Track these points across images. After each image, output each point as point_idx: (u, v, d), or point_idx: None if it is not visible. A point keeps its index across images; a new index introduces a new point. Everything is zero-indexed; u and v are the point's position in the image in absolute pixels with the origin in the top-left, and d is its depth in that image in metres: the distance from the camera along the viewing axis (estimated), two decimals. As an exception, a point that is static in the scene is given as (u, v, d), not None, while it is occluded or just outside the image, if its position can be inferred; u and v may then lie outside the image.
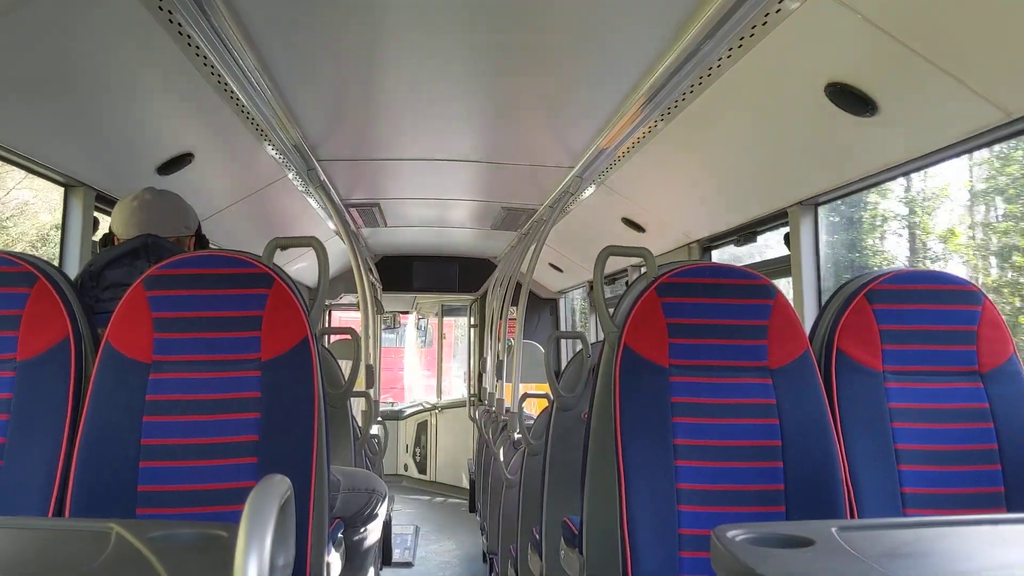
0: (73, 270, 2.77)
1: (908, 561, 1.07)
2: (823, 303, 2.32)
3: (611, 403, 1.93)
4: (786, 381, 1.95)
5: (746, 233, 3.71)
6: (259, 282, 1.94)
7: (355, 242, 4.68)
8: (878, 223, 4.97)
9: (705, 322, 1.99)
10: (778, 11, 2.02)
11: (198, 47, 2.32)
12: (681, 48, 2.34)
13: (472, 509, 7.20)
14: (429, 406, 9.73)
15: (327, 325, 8.52)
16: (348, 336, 3.92)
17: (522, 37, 2.50)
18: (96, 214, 3.03)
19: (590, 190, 4.28)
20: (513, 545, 3.86)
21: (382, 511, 3.01)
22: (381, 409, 5.98)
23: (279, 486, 0.92)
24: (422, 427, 9.68)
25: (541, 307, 8.02)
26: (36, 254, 2.07)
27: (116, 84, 2.42)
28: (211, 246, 2.68)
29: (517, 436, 4.25)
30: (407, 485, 9.61)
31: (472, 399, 8.48)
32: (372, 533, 2.96)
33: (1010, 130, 2.05)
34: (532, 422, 4.16)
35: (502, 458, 4.39)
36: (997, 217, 4.32)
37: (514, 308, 5.00)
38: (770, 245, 3.66)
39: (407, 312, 11.26)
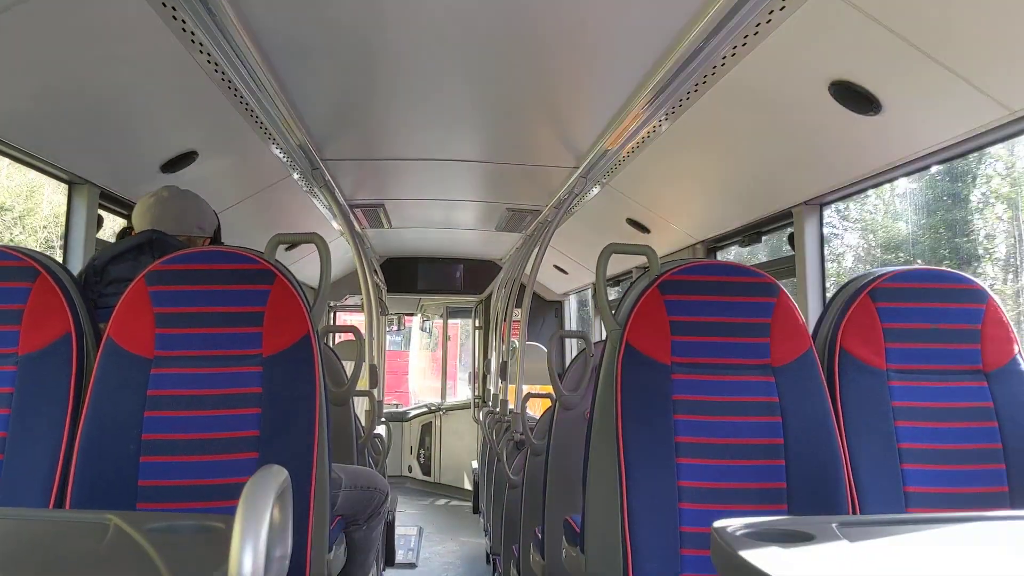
0: (77, 267, 2.78)
1: (909, 558, 1.06)
2: (827, 301, 2.31)
3: (613, 401, 1.92)
4: (789, 379, 1.94)
5: (751, 233, 3.70)
6: (261, 278, 1.94)
7: (359, 243, 4.68)
8: (991, 199, 4.21)
9: (708, 320, 1.98)
10: (782, 8, 2.01)
11: (202, 44, 2.32)
12: (685, 47, 2.34)
13: (476, 510, 7.19)
14: (434, 408, 9.72)
15: (332, 326, 8.53)
16: (351, 336, 3.92)
17: (526, 38, 2.50)
18: (100, 211, 3.03)
19: (594, 191, 4.28)
20: (516, 545, 3.85)
21: (384, 510, 3.00)
22: (385, 410, 5.98)
23: (276, 476, 0.92)
24: (426, 429, 9.68)
25: (546, 309, 8.01)
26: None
27: (121, 82, 2.43)
28: None
29: (520, 436, 4.25)
30: (411, 487, 9.60)
31: (476, 401, 8.47)
32: (374, 531, 2.96)
33: (1015, 128, 2.05)
34: (535, 423, 4.16)
35: (505, 459, 4.39)
36: None
37: (518, 310, 5.00)
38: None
39: (411, 314, 11.25)
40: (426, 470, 9.57)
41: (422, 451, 9.68)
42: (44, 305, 1.89)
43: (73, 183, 2.92)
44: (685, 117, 2.92)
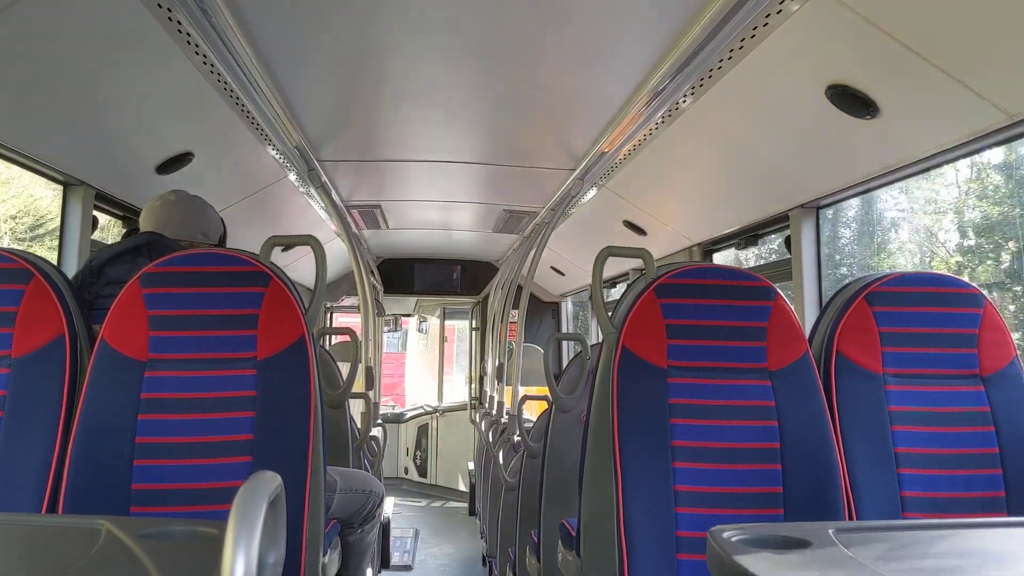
0: (72, 268, 2.77)
1: (905, 563, 1.06)
2: (823, 305, 2.31)
3: (609, 404, 1.92)
4: (785, 383, 1.94)
5: (748, 236, 3.70)
6: (256, 280, 1.93)
7: (356, 244, 4.67)
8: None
9: (704, 323, 1.98)
10: (779, 12, 2.01)
11: (198, 46, 2.32)
12: (682, 49, 2.34)
13: (472, 513, 7.19)
14: (430, 409, 9.71)
15: (329, 327, 8.51)
16: (347, 337, 3.91)
17: (524, 40, 2.49)
18: (95, 212, 3.02)
19: (591, 193, 4.27)
20: (512, 548, 3.85)
21: (379, 513, 3.00)
22: (381, 412, 5.97)
23: (269, 482, 0.91)
24: (423, 430, 9.66)
25: (543, 310, 8.01)
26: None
27: (116, 82, 2.42)
28: None
29: (517, 439, 4.24)
30: (407, 488, 9.59)
31: (473, 402, 8.46)
32: (369, 534, 2.95)
33: (1012, 132, 2.04)
34: (532, 425, 4.15)
35: (501, 461, 4.38)
36: None
37: (515, 311, 5.00)
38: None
39: (409, 315, 11.24)
40: (422, 472, 9.56)
41: (419, 453, 9.67)
42: (37, 307, 1.88)
43: (68, 184, 2.91)
44: (682, 120, 2.91)
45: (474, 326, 9.02)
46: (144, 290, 1.90)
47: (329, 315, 8.60)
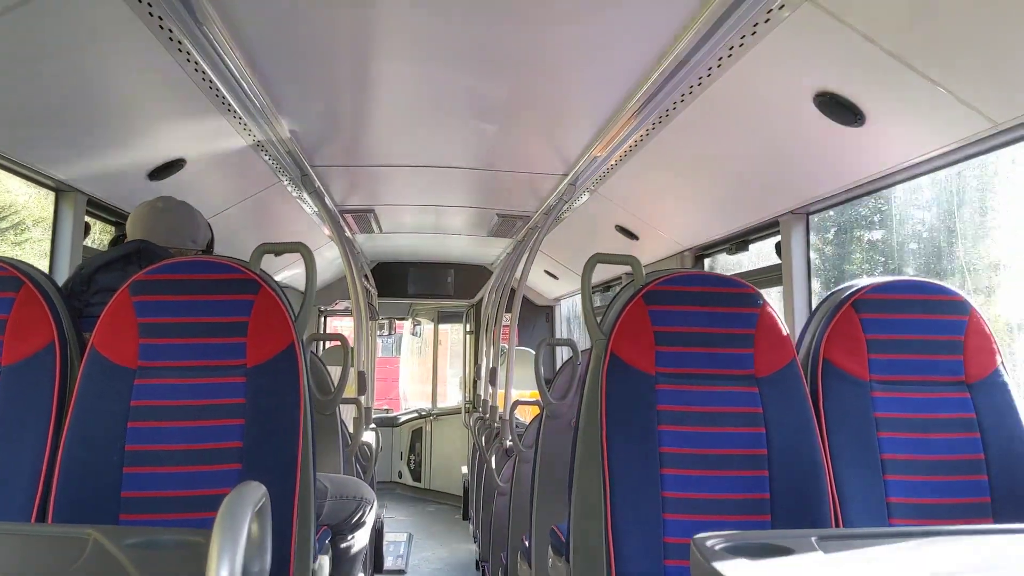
0: (64, 275, 2.77)
1: (887, 571, 1.07)
2: (811, 312, 2.32)
3: (597, 410, 1.93)
4: (772, 390, 1.95)
5: (738, 242, 3.71)
6: (245, 288, 1.94)
7: (349, 248, 4.68)
8: None
9: (692, 330, 1.99)
10: (767, 21, 2.02)
11: (189, 53, 2.32)
12: (672, 57, 2.35)
13: (466, 517, 7.19)
14: (424, 413, 9.70)
15: (323, 331, 8.51)
16: (339, 343, 3.92)
17: (516, 45, 2.50)
18: (88, 219, 3.03)
19: (584, 198, 4.29)
20: (504, 553, 3.85)
21: (370, 519, 3.00)
22: (375, 416, 5.96)
23: (253, 492, 0.92)
24: (417, 434, 9.66)
25: (537, 314, 8.01)
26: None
27: (108, 89, 2.42)
28: None
29: (509, 443, 4.25)
30: (401, 492, 9.58)
31: (467, 406, 8.46)
32: (360, 541, 2.96)
33: (997, 140, 2.06)
34: (524, 429, 4.15)
35: (494, 465, 4.39)
36: None
37: (509, 315, 5.00)
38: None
39: (403, 318, 11.23)
40: (416, 476, 9.55)
41: (412, 457, 9.66)
42: (27, 315, 1.88)
43: (60, 190, 2.91)
44: (673, 126, 2.93)
45: (468, 330, 9.02)
46: (134, 298, 1.90)
47: (323, 319, 8.59)
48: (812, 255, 3.21)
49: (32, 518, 1.75)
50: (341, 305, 8.19)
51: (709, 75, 2.42)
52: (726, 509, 1.86)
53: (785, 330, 2.03)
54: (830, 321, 2.07)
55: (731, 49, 2.22)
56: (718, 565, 0.99)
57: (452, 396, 10.24)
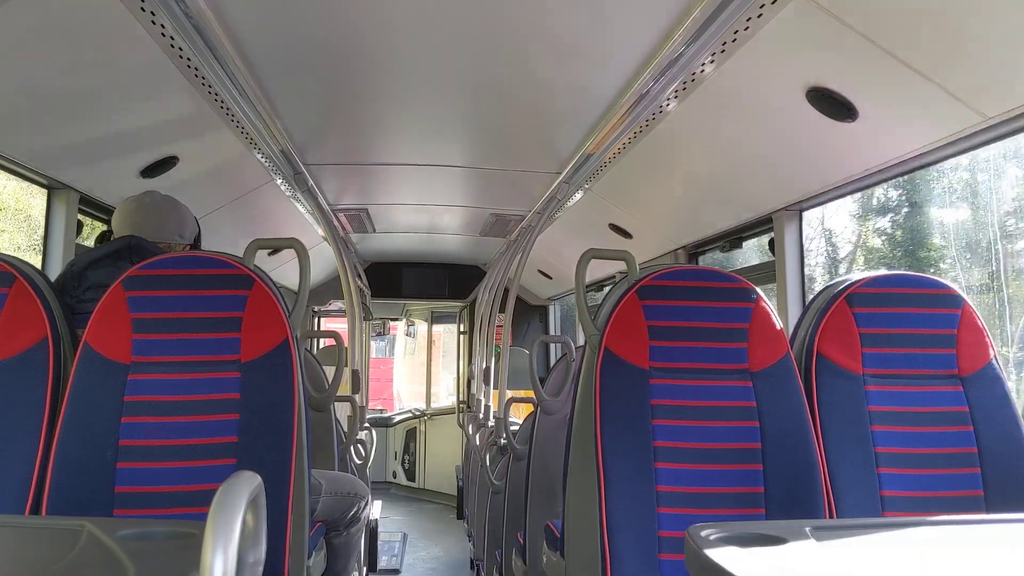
0: (56, 271, 2.76)
1: (880, 561, 1.07)
2: (804, 306, 2.33)
3: (592, 406, 1.93)
4: (766, 384, 1.96)
5: (732, 239, 3.72)
6: (239, 283, 1.93)
7: (343, 247, 4.68)
8: None
9: (686, 325, 1.99)
10: (759, 16, 2.03)
11: (181, 49, 2.32)
12: (664, 54, 2.35)
13: (460, 516, 7.19)
14: (418, 413, 9.70)
15: (316, 330, 8.50)
16: (332, 341, 3.91)
17: (508, 44, 2.51)
18: (80, 216, 3.02)
19: (577, 196, 4.29)
20: (499, 550, 3.85)
21: (365, 515, 3.00)
22: (369, 416, 5.96)
23: (248, 482, 0.92)
24: (411, 434, 9.65)
25: (531, 314, 8.02)
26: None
27: (100, 86, 2.42)
28: None
29: (503, 442, 4.25)
30: (396, 492, 9.57)
31: (461, 405, 8.46)
32: (355, 537, 2.96)
33: (989, 135, 2.07)
34: (519, 427, 4.16)
35: (488, 464, 4.39)
36: None
37: (503, 315, 5.01)
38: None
39: (396, 319, 11.22)
40: (411, 475, 9.55)
41: (407, 456, 9.66)
42: (20, 311, 1.88)
43: (52, 188, 2.90)
44: (665, 123, 2.93)
45: (462, 329, 9.02)
46: (127, 293, 1.90)
47: (317, 319, 8.59)
48: (876, 241, 3.10)
49: (26, 513, 1.75)
50: (335, 305, 8.18)
51: (702, 71, 2.43)
52: (720, 503, 1.87)
53: (779, 324, 2.04)
54: (823, 316, 2.08)
55: (723, 45, 2.23)
56: (712, 554, 0.99)
57: (446, 397, 10.24)
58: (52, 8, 1.94)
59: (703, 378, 1.96)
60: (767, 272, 3.33)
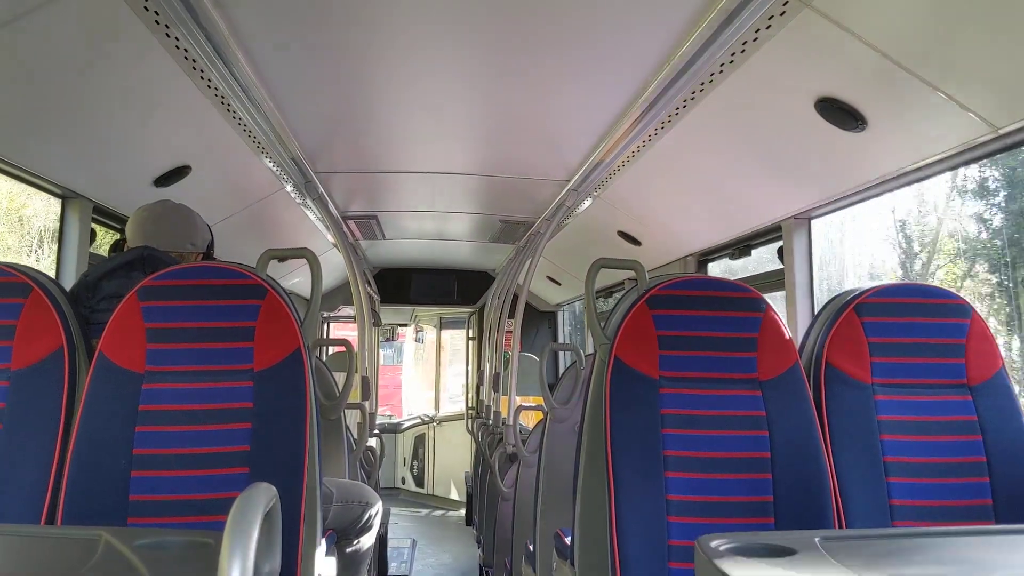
0: (70, 281, 2.78)
1: (890, 571, 1.07)
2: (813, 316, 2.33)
3: (602, 414, 1.94)
4: (776, 393, 1.96)
5: (741, 247, 3.72)
6: (252, 293, 1.95)
7: (352, 254, 4.69)
8: None
9: (695, 334, 2.00)
10: (768, 27, 2.04)
11: (195, 61, 2.34)
12: (674, 63, 2.36)
13: (469, 522, 7.19)
14: (427, 419, 9.71)
15: (326, 337, 8.52)
16: (343, 348, 3.93)
17: (518, 51, 2.52)
18: (93, 226, 3.04)
19: (586, 203, 4.30)
20: (508, 558, 3.86)
21: (375, 523, 3.01)
22: (378, 422, 5.97)
23: (264, 494, 0.93)
24: (420, 440, 9.66)
25: (540, 320, 8.02)
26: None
27: (113, 97, 2.44)
28: None
29: (513, 449, 4.26)
30: (405, 498, 9.58)
31: (470, 412, 8.47)
32: (365, 545, 2.97)
33: (998, 145, 2.07)
34: (528, 434, 4.17)
35: (497, 471, 4.39)
36: None
37: (512, 321, 5.02)
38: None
39: (405, 324, 11.25)
40: (419, 482, 9.56)
41: (415, 463, 9.67)
42: (36, 321, 1.90)
43: (66, 197, 2.93)
44: (674, 131, 2.94)
45: (471, 336, 9.03)
46: (142, 303, 1.92)
47: (327, 325, 8.61)
48: (960, 228, 2.96)
49: (41, 522, 1.76)
50: (344, 311, 8.20)
51: (711, 81, 2.43)
52: (730, 512, 1.87)
53: (788, 334, 2.04)
54: (832, 325, 2.08)
55: (733, 55, 2.24)
56: (722, 565, 1.00)
57: (455, 403, 10.25)
58: (66, 21, 1.96)
59: (712, 388, 1.97)
60: (775, 280, 3.34)
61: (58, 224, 2.97)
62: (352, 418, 4.08)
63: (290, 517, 1.78)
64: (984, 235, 3.32)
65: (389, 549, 5.46)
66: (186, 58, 2.32)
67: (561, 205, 4.28)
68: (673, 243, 4.18)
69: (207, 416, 1.86)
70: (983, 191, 3.20)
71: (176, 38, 2.19)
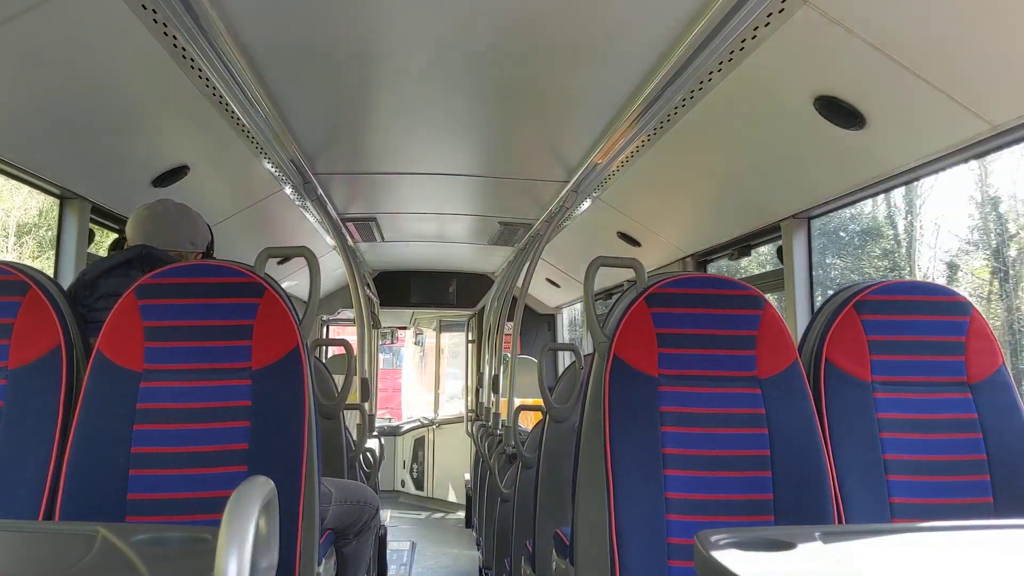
0: (68, 281, 2.78)
1: (890, 566, 1.07)
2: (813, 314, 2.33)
3: (601, 413, 1.93)
4: (775, 391, 1.96)
5: (741, 247, 3.72)
6: (250, 291, 1.95)
7: (351, 256, 4.69)
8: None
9: (694, 332, 1.99)
10: (767, 25, 2.04)
11: (193, 60, 2.34)
12: (673, 62, 2.36)
13: (469, 524, 7.18)
14: (427, 422, 9.70)
15: (325, 338, 8.52)
16: (342, 349, 3.93)
17: (516, 52, 2.52)
18: (92, 226, 3.04)
19: (585, 204, 4.30)
20: (507, 558, 3.85)
21: (374, 524, 3.00)
22: (378, 424, 5.97)
23: (262, 487, 0.93)
24: (419, 443, 9.66)
25: (539, 322, 8.02)
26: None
27: (113, 97, 2.44)
28: None
29: (512, 450, 4.25)
30: (404, 501, 9.57)
31: (469, 414, 8.47)
32: (364, 545, 2.96)
33: (997, 142, 2.07)
34: (527, 435, 4.16)
35: (497, 472, 4.39)
36: None
37: (511, 323, 5.02)
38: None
39: (405, 327, 11.24)
40: (419, 484, 9.55)
41: (415, 465, 9.66)
42: (34, 319, 1.89)
43: (65, 197, 2.92)
44: (674, 131, 2.94)
45: (470, 338, 9.03)
46: (140, 301, 1.91)
47: (326, 328, 8.60)
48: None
49: (39, 519, 1.76)
50: (344, 314, 8.20)
51: (709, 80, 2.44)
52: (729, 510, 1.87)
53: (787, 332, 2.04)
54: (832, 323, 2.08)
55: (731, 54, 2.24)
56: (721, 559, 0.99)
57: (454, 405, 10.25)
58: (64, 20, 1.96)
59: (712, 385, 1.96)
60: (775, 279, 3.33)
61: (56, 223, 2.97)
62: (351, 420, 4.08)
63: (288, 515, 1.78)
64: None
65: (389, 551, 5.45)
66: (184, 57, 2.32)
67: (560, 206, 4.28)
68: (672, 244, 4.18)
69: (205, 414, 1.86)
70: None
71: (174, 37, 2.19)
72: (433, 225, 5.61)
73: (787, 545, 1.07)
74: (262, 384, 1.89)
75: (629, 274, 2.16)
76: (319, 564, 2.03)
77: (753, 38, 2.12)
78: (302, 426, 1.87)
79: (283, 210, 4.45)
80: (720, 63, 2.31)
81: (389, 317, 9.26)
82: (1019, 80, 1.82)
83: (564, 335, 8.09)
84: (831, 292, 2.23)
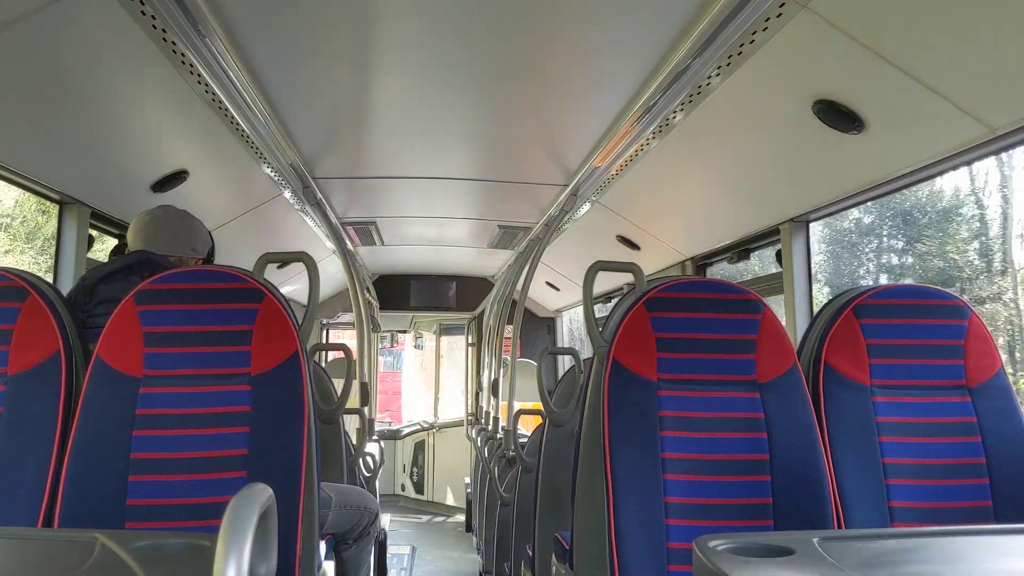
0: (68, 286, 2.79)
1: (888, 571, 1.07)
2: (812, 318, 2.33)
3: (600, 417, 1.93)
4: (774, 395, 1.96)
5: (740, 250, 3.72)
6: (249, 297, 1.95)
7: (351, 260, 4.69)
8: None
9: (693, 336, 2.00)
10: (765, 30, 2.04)
11: (192, 66, 2.34)
12: (671, 66, 2.37)
13: (469, 528, 7.18)
14: (427, 425, 9.70)
15: (324, 343, 8.52)
16: (342, 353, 3.93)
17: (516, 57, 2.52)
18: (91, 231, 3.04)
19: (585, 208, 4.30)
20: (507, 563, 3.85)
21: (374, 529, 3.00)
22: (378, 428, 5.96)
23: (260, 494, 0.93)
24: (419, 447, 9.65)
25: (539, 326, 8.02)
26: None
27: (111, 102, 2.44)
28: None
29: (512, 454, 4.25)
30: (404, 505, 9.56)
31: (469, 418, 8.47)
32: (364, 550, 2.96)
33: (995, 146, 2.07)
34: (527, 439, 4.16)
35: (497, 476, 4.39)
36: None
37: (511, 326, 5.02)
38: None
39: (404, 331, 11.24)
40: (419, 488, 9.54)
41: (415, 469, 9.65)
42: (33, 325, 1.89)
43: (64, 202, 2.93)
44: (672, 135, 2.94)
45: (470, 342, 9.03)
46: (139, 307, 1.91)
47: (325, 332, 8.60)
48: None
49: (38, 525, 1.76)
50: (344, 318, 8.20)
51: (708, 84, 2.44)
52: (729, 514, 1.87)
53: (786, 336, 2.04)
54: (831, 327, 2.08)
55: (729, 58, 2.24)
56: (721, 565, 0.99)
57: (453, 409, 10.24)
58: (64, 26, 1.96)
59: (711, 389, 1.96)
60: (774, 283, 3.33)
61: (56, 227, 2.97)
62: (351, 424, 4.08)
63: (288, 520, 1.78)
64: None
65: (389, 555, 5.45)
66: (183, 63, 2.32)
67: (560, 210, 4.28)
68: (672, 247, 4.18)
69: (205, 420, 1.86)
70: None
71: (173, 42, 2.19)
72: (432, 229, 5.61)
73: (786, 551, 1.07)
74: (261, 389, 1.89)
75: (628, 278, 2.16)
76: (318, 569, 2.02)
77: (751, 43, 2.13)
78: (301, 431, 1.87)
79: (282, 214, 4.45)
80: (718, 67, 2.31)
81: (389, 321, 9.25)
82: (1017, 84, 1.82)
83: (563, 338, 8.09)
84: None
